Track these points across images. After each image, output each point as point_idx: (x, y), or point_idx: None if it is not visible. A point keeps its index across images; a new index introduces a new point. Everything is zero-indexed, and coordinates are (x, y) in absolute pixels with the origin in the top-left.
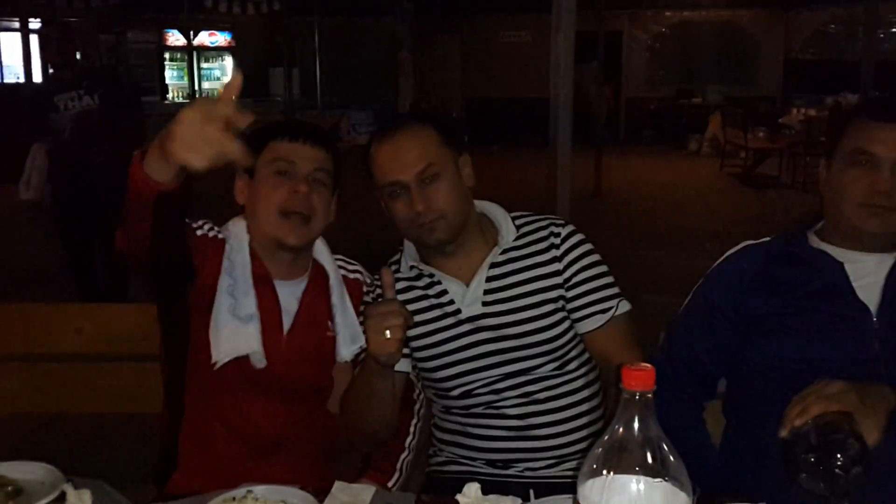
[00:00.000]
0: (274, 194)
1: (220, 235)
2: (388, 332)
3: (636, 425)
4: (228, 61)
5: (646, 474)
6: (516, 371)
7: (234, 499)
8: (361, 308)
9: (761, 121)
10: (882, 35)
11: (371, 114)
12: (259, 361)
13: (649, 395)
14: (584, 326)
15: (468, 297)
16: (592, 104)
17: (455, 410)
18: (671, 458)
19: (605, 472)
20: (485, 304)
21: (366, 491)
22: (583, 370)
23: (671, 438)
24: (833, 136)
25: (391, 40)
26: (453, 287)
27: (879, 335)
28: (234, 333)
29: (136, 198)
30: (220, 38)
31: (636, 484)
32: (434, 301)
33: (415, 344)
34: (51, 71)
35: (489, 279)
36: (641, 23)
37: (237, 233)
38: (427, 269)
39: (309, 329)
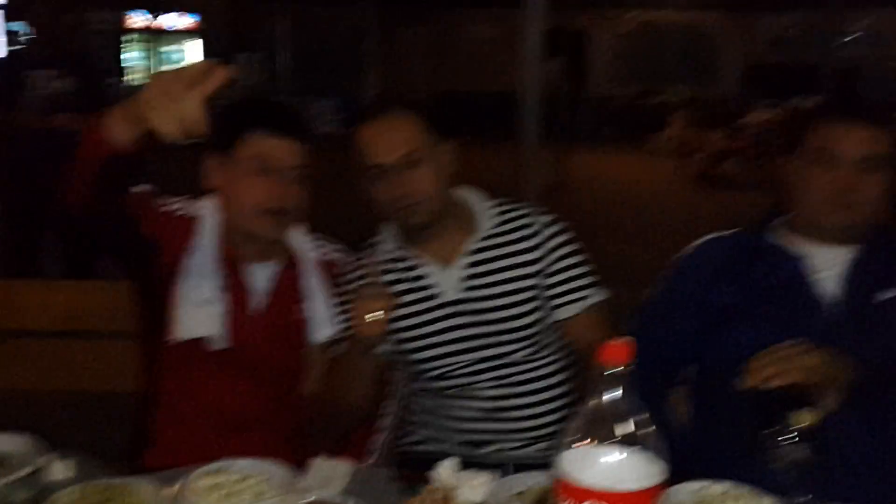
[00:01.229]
0: (251, 192)
1: (188, 213)
2: (373, 315)
3: (613, 397)
4: (193, 44)
5: (623, 444)
6: (492, 355)
7: (215, 472)
8: (342, 288)
9: (721, 122)
10: (840, 42)
11: (336, 103)
12: (216, 343)
13: (626, 369)
14: (561, 314)
15: (447, 281)
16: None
17: (430, 391)
18: (647, 428)
19: (583, 442)
20: (464, 289)
21: (344, 467)
22: (556, 356)
23: None
24: (797, 133)
25: (357, 30)
26: (432, 271)
27: (837, 327)
28: (192, 315)
29: (86, 158)
30: (187, 21)
31: (614, 453)
32: (413, 284)
33: (393, 326)
34: (11, 47)
35: (468, 265)
36: (606, 21)
37: (206, 213)
38: (406, 254)
39: (280, 311)
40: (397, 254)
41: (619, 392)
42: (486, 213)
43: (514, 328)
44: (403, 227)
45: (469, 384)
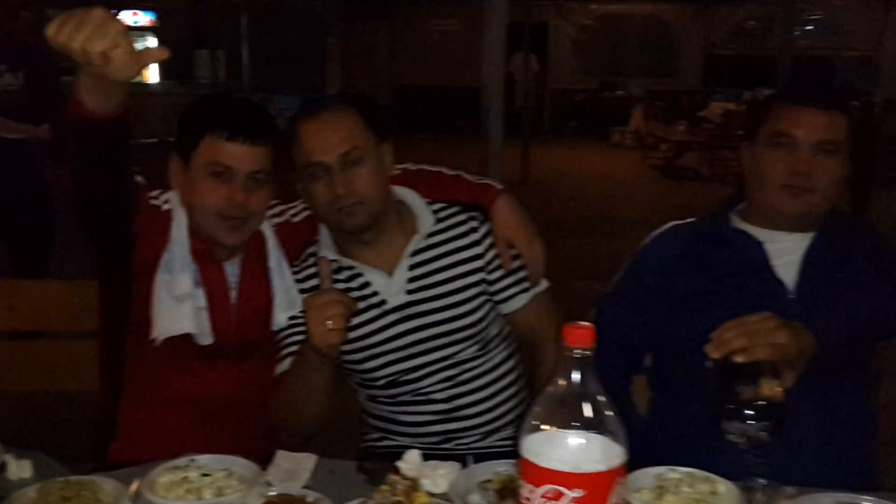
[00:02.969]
0: (210, 197)
1: (168, 207)
2: (329, 322)
3: (575, 380)
4: (152, 41)
5: (584, 428)
6: (441, 357)
7: (176, 467)
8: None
9: (682, 114)
10: (798, 32)
11: (298, 99)
12: (202, 339)
13: (588, 352)
14: (510, 306)
15: (392, 287)
16: (519, 93)
17: (381, 399)
18: (608, 412)
19: (545, 426)
20: (409, 292)
21: (308, 459)
22: (502, 346)
23: None
24: (754, 119)
25: (319, 25)
26: (376, 277)
27: (796, 311)
28: (170, 312)
29: (69, 127)
30: (144, 18)
31: (575, 437)
32: (357, 293)
33: None
34: None
35: (411, 267)
36: (567, 15)
37: (176, 207)
38: (346, 262)
39: (252, 295)
40: (337, 263)
41: (580, 375)
42: (424, 212)
43: (461, 327)
44: (342, 230)
45: (420, 388)
